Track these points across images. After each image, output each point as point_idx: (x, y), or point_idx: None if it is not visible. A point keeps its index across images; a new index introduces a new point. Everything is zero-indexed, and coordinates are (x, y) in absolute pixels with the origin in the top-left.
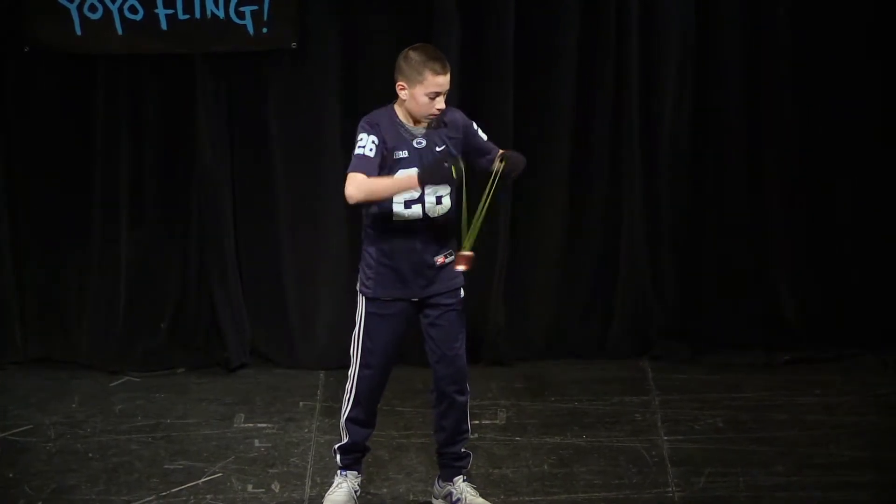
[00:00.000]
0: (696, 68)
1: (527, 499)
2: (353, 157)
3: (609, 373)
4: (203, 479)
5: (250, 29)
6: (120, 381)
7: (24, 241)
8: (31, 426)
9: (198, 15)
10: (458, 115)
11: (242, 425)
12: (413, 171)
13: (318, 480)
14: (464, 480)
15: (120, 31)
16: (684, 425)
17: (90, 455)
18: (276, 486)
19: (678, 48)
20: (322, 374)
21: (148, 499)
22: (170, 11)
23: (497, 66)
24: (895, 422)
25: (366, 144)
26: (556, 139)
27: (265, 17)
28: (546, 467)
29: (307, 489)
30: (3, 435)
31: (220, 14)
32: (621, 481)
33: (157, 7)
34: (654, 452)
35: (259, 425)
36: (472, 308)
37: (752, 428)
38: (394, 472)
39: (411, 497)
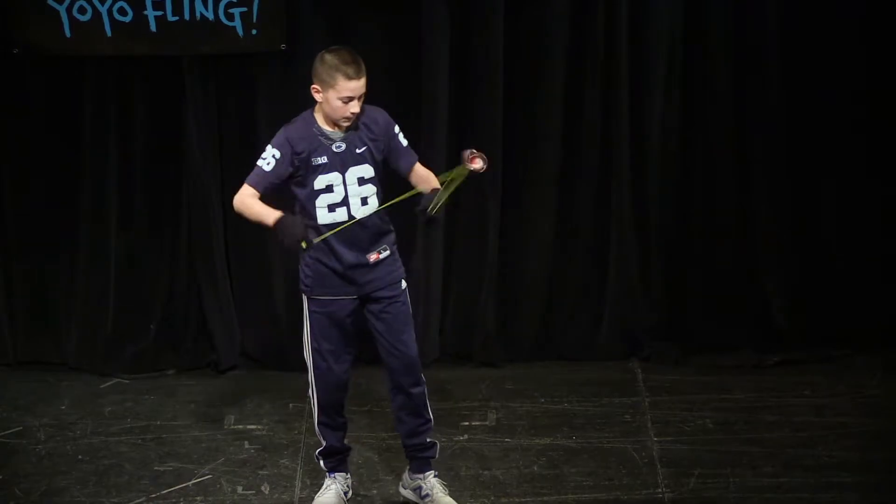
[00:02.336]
0: (684, 71)
1: (517, 500)
2: (255, 165)
3: (599, 374)
4: (193, 481)
5: (240, 30)
6: (109, 383)
7: (13, 243)
8: (21, 428)
9: (187, 16)
10: (381, 116)
11: (232, 427)
12: (276, 215)
13: (308, 482)
14: (434, 475)
15: (109, 33)
16: (674, 426)
17: (80, 457)
18: (265, 488)
19: (667, 50)
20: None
21: (138, 500)
22: (159, 13)
23: (487, 68)
24: (884, 423)
25: (267, 157)
26: (546, 142)
27: (254, 19)
28: (536, 468)
29: (297, 491)
30: None
31: (210, 16)
32: (611, 482)
33: (146, 9)
34: (643, 453)
35: (249, 427)
36: (462, 310)
37: (742, 429)
38: (383, 474)
39: (401, 498)
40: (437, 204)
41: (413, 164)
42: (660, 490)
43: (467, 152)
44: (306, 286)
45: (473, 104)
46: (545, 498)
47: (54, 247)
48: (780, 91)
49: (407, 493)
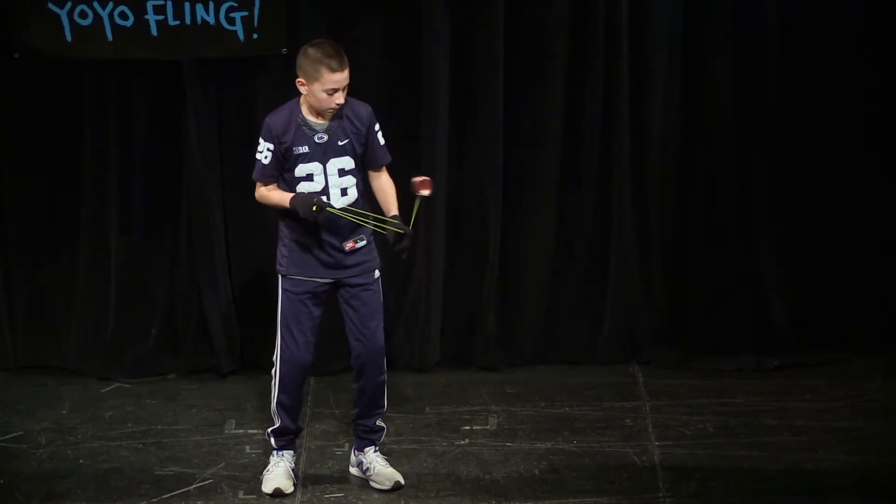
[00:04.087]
0: (684, 73)
1: None
2: (255, 161)
3: (599, 378)
4: (194, 486)
5: (241, 35)
6: (110, 388)
7: (13, 247)
8: (22, 433)
9: (188, 21)
10: (365, 111)
11: (233, 431)
12: (288, 196)
13: (309, 485)
14: (374, 451)
15: (110, 38)
16: (675, 430)
17: (81, 461)
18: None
19: (667, 53)
20: (311, 380)
21: None
22: (160, 17)
23: (487, 68)
24: (884, 426)
25: (262, 151)
26: (546, 145)
27: (255, 23)
28: (537, 473)
29: (298, 495)
30: None
31: (211, 20)
32: (612, 486)
33: (147, 13)
34: (644, 458)
35: (250, 431)
36: (463, 314)
37: (742, 433)
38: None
39: (402, 502)
40: (402, 246)
41: (382, 164)
42: (660, 494)
43: (417, 180)
44: (281, 265)
45: (473, 104)
46: (546, 502)
47: (54, 247)
48: (780, 91)
49: (354, 471)
